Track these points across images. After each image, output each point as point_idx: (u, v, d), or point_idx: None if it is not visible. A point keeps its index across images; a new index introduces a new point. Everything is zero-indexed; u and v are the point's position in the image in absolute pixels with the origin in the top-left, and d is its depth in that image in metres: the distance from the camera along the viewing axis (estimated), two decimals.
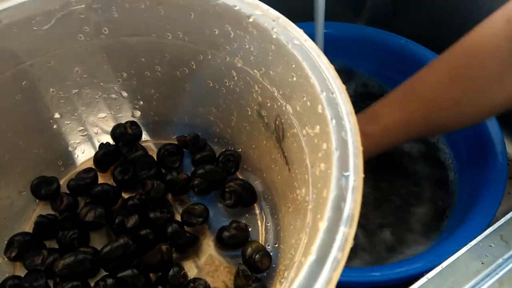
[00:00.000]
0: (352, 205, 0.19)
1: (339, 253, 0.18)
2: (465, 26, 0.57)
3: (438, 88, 0.37)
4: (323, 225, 0.19)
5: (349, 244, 0.18)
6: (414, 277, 0.37)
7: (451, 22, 0.60)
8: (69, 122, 0.39)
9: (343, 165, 0.21)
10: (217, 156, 0.40)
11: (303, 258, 0.20)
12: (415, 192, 0.53)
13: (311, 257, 0.18)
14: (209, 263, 0.35)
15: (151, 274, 0.33)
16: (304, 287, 0.17)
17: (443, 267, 0.31)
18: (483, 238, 0.32)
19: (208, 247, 0.36)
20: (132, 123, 0.41)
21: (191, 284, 0.32)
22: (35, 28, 0.31)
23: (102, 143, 0.41)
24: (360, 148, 0.21)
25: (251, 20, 0.29)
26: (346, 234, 0.19)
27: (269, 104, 0.32)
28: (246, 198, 0.36)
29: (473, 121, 0.40)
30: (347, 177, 0.20)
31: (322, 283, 0.17)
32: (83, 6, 0.31)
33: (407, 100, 0.39)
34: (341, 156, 0.21)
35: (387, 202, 0.52)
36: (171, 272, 0.32)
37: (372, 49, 0.59)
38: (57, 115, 0.38)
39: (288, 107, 0.29)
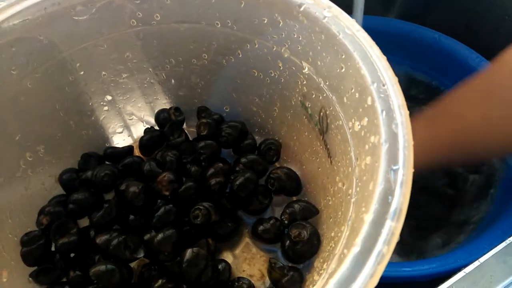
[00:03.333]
0: (401, 199, 0.19)
1: (384, 247, 0.18)
2: (500, 21, 0.55)
3: (467, 101, 0.34)
4: (368, 217, 0.19)
5: (395, 238, 0.18)
6: (445, 273, 0.36)
7: (485, 17, 0.57)
8: (118, 105, 0.40)
9: (392, 158, 0.20)
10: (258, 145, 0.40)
11: (345, 250, 0.20)
12: (444, 184, 0.51)
13: (355, 249, 0.18)
14: (246, 251, 0.35)
15: None
16: (347, 278, 0.17)
17: (480, 262, 0.30)
18: None
19: (245, 234, 0.37)
20: (176, 109, 0.42)
21: (236, 284, 0.32)
22: (89, 13, 0.33)
23: (147, 128, 0.42)
24: (411, 142, 0.21)
25: (302, 9, 0.28)
26: (392, 228, 0.18)
27: (314, 95, 0.31)
28: (290, 187, 0.36)
29: (504, 144, 0.34)
30: (396, 171, 0.20)
31: (366, 275, 0.17)
32: None
33: (436, 117, 0.36)
34: (390, 149, 0.21)
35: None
36: (220, 267, 0.32)
37: (405, 43, 0.57)
38: (107, 98, 0.39)
39: (335, 98, 0.28)
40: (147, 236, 0.33)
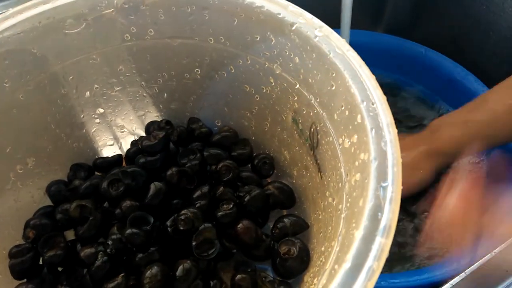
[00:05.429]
0: (390, 215, 0.19)
1: (375, 263, 0.18)
2: (486, 37, 0.57)
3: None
4: (359, 233, 0.19)
5: (385, 254, 0.18)
6: (433, 284, 0.37)
7: (471, 33, 0.59)
8: (109, 118, 0.40)
9: (382, 176, 0.21)
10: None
11: (336, 266, 0.20)
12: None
13: (346, 265, 0.18)
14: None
15: None
16: None
17: (467, 274, 0.31)
18: (507, 246, 0.32)
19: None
20: (167, 122, 0.42)
21: None
22: (80, 27, 0.33)
23: (133, 141, 0.42)
24: (400, 160, 0.21)
25: (294, 28, 0.29)
26: (382, 244, 0.19)
27: (305, 111, 0.32)
28: (285, 201, 0.36)
29: None
30: (385, 188, 0.20)
31: None
32: (132, 7, 0.32)
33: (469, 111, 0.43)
34: (379, 166, 0.21)
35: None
36: (211, 283, 0.32)
37: (392, 57, 0.58)
38: (99, 111, 0.39)
39: (325, 115, 0.29)
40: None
